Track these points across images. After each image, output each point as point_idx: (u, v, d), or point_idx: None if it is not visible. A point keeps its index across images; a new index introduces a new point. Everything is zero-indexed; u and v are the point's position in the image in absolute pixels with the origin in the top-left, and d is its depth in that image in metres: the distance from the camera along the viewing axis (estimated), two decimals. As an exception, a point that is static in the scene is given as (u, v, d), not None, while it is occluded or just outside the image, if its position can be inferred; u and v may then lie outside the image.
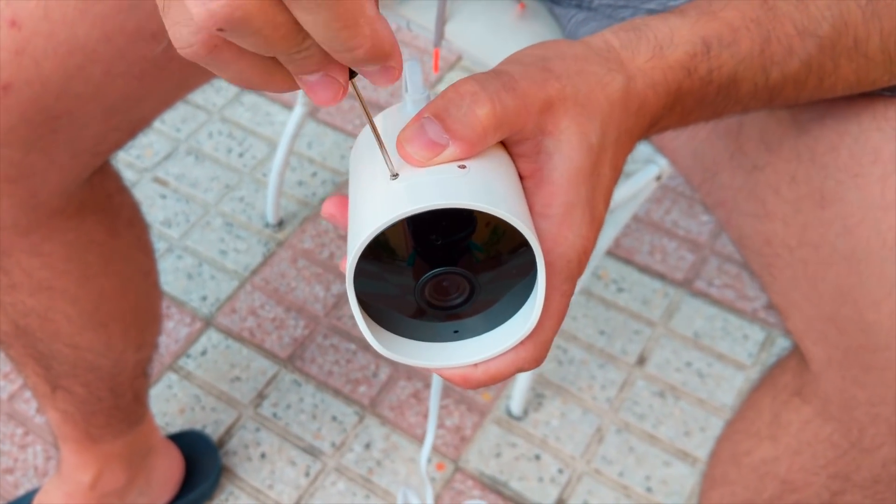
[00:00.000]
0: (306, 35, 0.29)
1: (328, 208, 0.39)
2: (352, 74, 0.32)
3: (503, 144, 0.37)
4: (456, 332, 0.37)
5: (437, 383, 0.66)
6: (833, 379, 0.51)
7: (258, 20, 0.28)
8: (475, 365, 0.36)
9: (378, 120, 0.39)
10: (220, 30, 0.28)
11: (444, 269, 0.35)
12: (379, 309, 0.37)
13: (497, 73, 0.36)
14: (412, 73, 0.38)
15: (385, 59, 0.30)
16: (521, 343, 0.36)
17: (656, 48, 0.40)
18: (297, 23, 0.29)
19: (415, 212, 0.32)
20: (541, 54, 0.38)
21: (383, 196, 0.34)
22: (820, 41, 0.43)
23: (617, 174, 0.39)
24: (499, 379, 0.36)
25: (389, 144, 0.35)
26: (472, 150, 0.35)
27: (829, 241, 0.49)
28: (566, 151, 0.36)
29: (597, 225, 0.37)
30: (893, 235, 0.47)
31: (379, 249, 0.34)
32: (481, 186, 0.34)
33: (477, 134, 0.35)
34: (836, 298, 0.49)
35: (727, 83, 0.42)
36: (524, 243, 0.34)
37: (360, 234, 0.33)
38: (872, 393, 0.49)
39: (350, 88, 0.33)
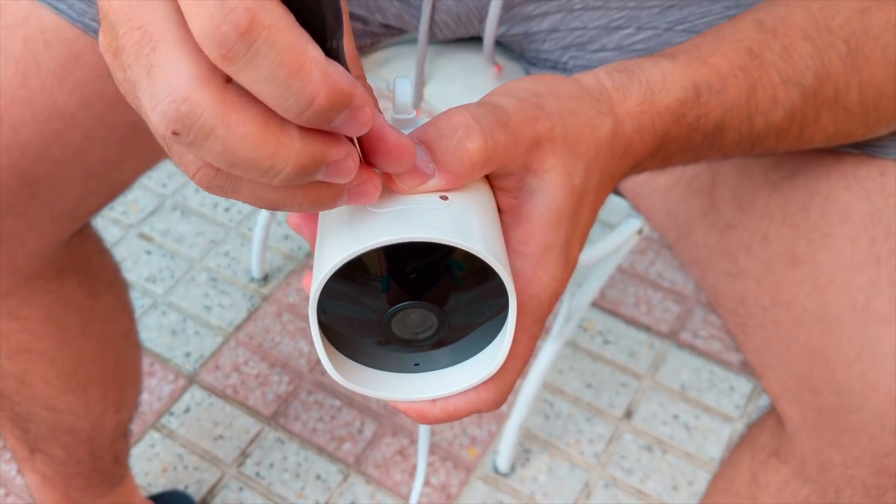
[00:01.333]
0: (280, 143, 0.27)
1: (294, 218, 0.37)
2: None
3: (486, 177, 0.36)
4: (417, 364, 0.36)
5: (424, 439, 0.65)
6: (808, 440, 0.51)
7: (207, 114, 0.26)
8: (433, 401, 0.35)
9: None
10: (175, 133, 0.26)
11: (415, 302, 0.34)
12: (339, 333, 0.35)
13: (491, 108, 0.35)
14: (401, 90, 0.36)
15: (348, 100, 0.27)
16: (483, 383, 0.35)
17: (647, 92, 0.40)
18: (263, 117, 0.27)
19: (394, 241, 0.31)
20: (534, 89, 0.37)
21: (360, 220, 0.33)
22: (803, 90, 0.43)
23: (594, 216, 0.38)
24: (455, 417, 0.35)
25: None
26: (458, 183, 0.34)
27: (801, 300, 0.49)
28: (549, 192, 0.36)
29: (570, 267, 0.37)
30: (863, 296, 0.47)
31: (349, 274, 0.32)
32: (462, 221, 0.33)
33: (465, 168, 0.34)
34: (808, 359, 0.49)
35: (713, 130, 0.42)
36: (497, 282, 0.33)
37: (334, 256, 0.32)
38: (847, 455, 0.49)
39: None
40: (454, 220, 0.33)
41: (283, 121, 0.27)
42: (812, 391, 0.49)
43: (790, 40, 0.43)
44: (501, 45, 0.69)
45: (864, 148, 0.49)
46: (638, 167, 0.41)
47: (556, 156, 0.36)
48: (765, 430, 0.58)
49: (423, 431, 0.64)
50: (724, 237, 0.54)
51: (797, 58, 0.43)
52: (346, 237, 0.32)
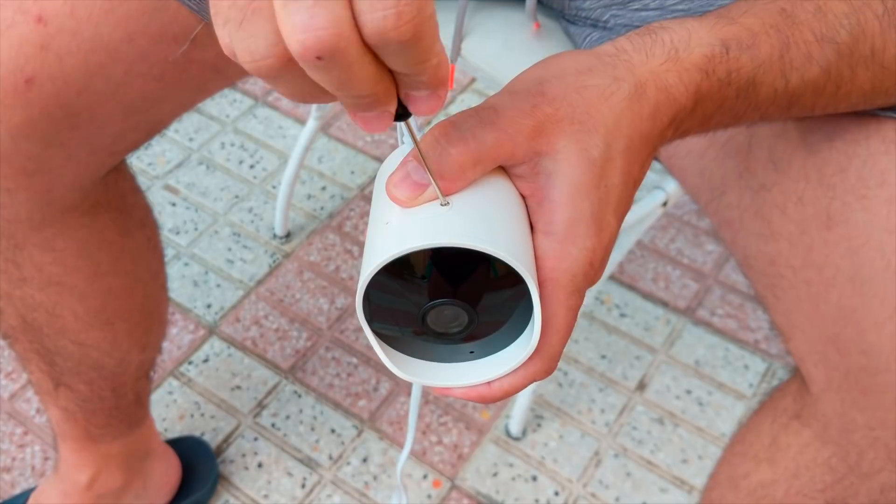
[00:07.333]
0: (379, 79, 0.30)
1: None
2: (405, 115, 0.33)
3: (501, 168, 0.39)
4: (472, 352, 0.39)
5: (416, 394, 0.66)
6: (832, 402, 0.51)
7: (351, 53, 0.29)
8: (489, 383, 0.38)
9: (387, 164, 0.41)
10: (319, 58, 0.28)
11: (439, 300, 0.36)
12: (390, 330, 0.38)
13: (476, 110, 0.38)
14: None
15: (439, 86, 0.32)
16: (531, 359, 0.37)
17: (671, 51, 0.41)
18: (377, 65, 0.30)
19: (392, 258, 0.34)
20: (539, 76, 0.39)
21: (375, 241, 0.37)
22: (838, 48, 0.44)
23: (631, 180, 0.39)
24: (514, 392, 0.38)
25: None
26: (454, 187, 0.37)
27: (834, 262, 0.49)
28: (564, 169, 0.37)
29: (606, 236, 0.38)
30: (897, 258, 0.47)
31: (384, 283, 0.36)
32: (461, 222, 0.35)
33: (454, 171, 0.36)
34: (838, 320, 0.49)
35: (746, 86, 0.42)
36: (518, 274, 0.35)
37: (360, 281, 0.36)
38: (871, 416, 0.49)
39: (404, 128, 0.35)
40: (453, 222, 0.35)
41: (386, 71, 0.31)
42: (840, 352, 0.50)
43: (824, 1, 0.43)
44: (541, 2, 0.69)
45: (905, 113, 0.49)
46: (679, 127, 0.42)
47: (566, 135, 0.37)
48: (787, 395, 0.58)
49: (415, 398, 0.66)
50: (758, 198, 0.54)
51: (831, 16, 0.44)
52: (365, 262, 0.36)
